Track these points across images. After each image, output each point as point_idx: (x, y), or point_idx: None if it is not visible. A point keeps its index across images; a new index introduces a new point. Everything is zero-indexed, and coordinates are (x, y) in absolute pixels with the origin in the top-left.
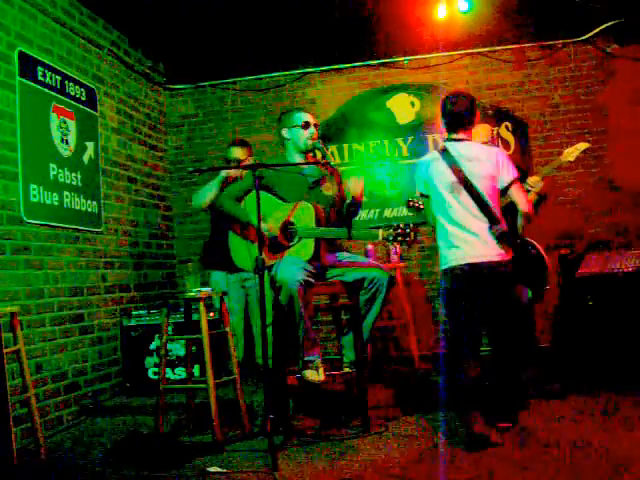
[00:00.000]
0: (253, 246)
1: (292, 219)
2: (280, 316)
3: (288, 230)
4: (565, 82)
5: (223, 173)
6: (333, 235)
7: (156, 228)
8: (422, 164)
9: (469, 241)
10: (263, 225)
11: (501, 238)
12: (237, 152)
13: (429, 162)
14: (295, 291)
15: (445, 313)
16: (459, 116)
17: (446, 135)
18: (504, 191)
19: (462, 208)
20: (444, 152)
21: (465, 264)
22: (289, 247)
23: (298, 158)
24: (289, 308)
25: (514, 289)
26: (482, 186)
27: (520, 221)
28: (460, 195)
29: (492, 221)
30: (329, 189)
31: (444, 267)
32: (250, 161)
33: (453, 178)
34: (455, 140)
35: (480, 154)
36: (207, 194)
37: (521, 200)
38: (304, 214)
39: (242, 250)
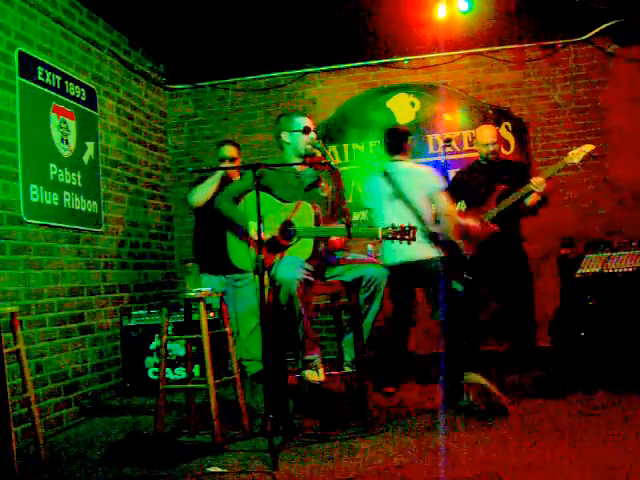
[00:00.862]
0: (252, 247)
1: (293, 219)
2: (279, 316)
3: (287, 230)
4: (565, 82)
5: (222, 171)
6: (332, 234)
7: (156, 228)
8: (369, 182)
9: (402, 243)
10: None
11: (430, 240)
12: (231, 150)
13: (374, 179)
14: (295, 290)
15: (390, 297)
16: (397, 144)
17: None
18: (430, 197)
19: (397, 215)
20: (385, 170)
21: (400, 262)
22: (288, 247)
23: (298, 162)
24: (289, 307)
25: (446, 282)
26: (415, 196)
27: (444, 223)
28: (395, 204)
29: (421, 225)
30: (325, 190)
31: (387, 263)
32: (240, 160)
33: (391, 190)
34: (394, 161)
35: (414, 170)
36: (207, 191)
37: (444, 205)
38: (303, 214)
39: (241, 250)
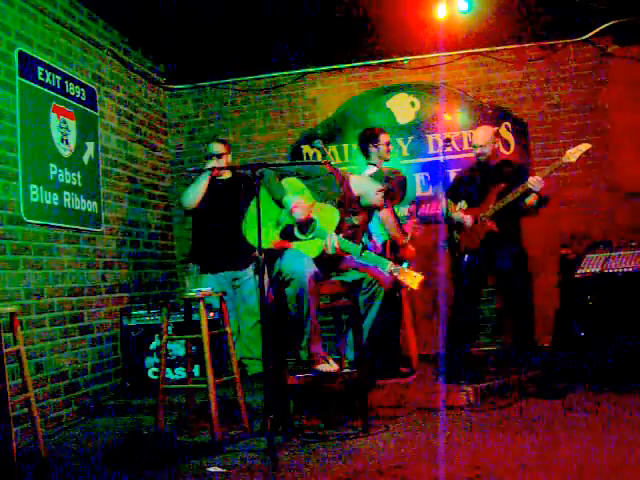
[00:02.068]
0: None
1: (315, 217)
2: (280, 315)
3: (308, 223)
4: (565, 82)
5: (209, 166)
6: (346, 248)
7: (156, 228)
8: None
9: None
10: (295, 199)
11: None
12: (217, 147)
13: None
14: (306, 282)
15: None
16: (361, 148)
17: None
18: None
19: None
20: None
21: None
22: (300, 240)
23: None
24: (297, 300)
25: None
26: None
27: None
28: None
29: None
30: (357, 219)
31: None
32: (229, 157)
33: None
34: (367, 165)
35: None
36: (197, 192)
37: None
38: (328, 216)
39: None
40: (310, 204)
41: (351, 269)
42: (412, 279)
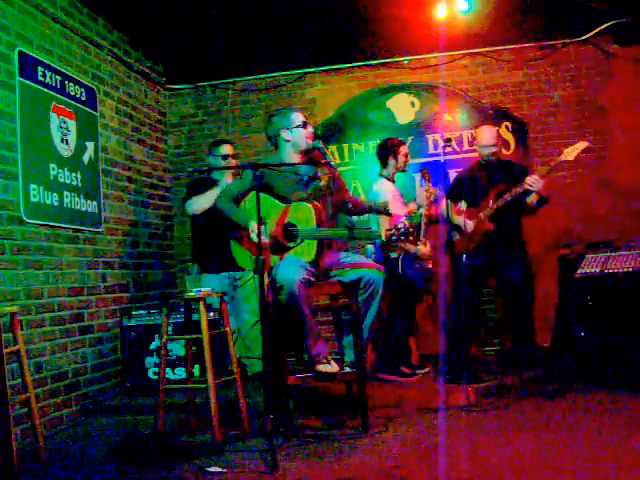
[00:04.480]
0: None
1: (288, 220)
2: (279, 315)
3: (290, 231)
4: (565, 82)
5: (224, 164)
6: (334, 236)
7: (156, 228)
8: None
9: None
10: (264, 229)
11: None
12: (228, 148)
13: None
14: (296, 290)
15: None
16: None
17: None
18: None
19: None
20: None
21: None
22: (291, 248)
23: (297, 158)
24: (291, 307)
25: None
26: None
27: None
28: None
29: None
30: (323, 178)
31: None
32: (237, 159)
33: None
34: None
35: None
36: (206, 204)
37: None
38: (304, 215)
39: (245, 252)
40: (275, 225)
41: (347, 268)
42: (409, 234)
